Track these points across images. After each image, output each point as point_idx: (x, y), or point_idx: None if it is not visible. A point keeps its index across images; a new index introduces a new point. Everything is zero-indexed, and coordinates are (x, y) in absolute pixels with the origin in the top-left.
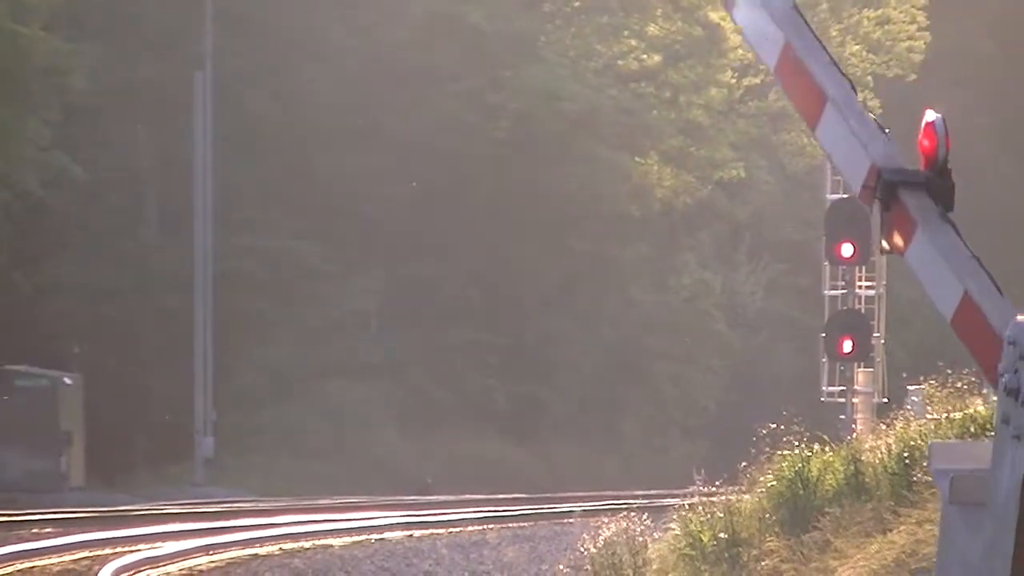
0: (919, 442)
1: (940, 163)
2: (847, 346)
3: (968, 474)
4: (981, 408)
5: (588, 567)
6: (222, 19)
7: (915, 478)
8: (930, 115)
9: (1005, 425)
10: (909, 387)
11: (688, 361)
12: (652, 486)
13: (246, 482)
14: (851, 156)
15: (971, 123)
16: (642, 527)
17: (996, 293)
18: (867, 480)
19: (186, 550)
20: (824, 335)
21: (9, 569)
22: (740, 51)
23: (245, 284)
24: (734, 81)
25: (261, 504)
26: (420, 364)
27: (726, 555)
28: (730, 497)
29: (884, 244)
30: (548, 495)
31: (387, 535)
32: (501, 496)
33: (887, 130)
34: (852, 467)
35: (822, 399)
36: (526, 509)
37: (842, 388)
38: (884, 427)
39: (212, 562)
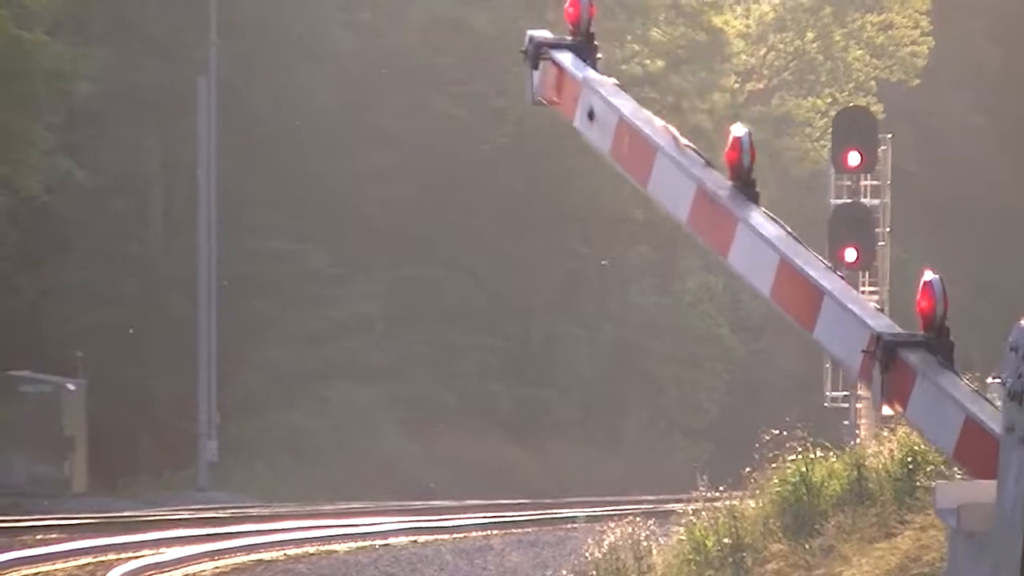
0: (922, 447)
1: (938, 323)
2: None
3: (975, 505)
4: None
5: (593, 572)
6: (225, 23)
7: (918, 483)
8: (928, 275)
9: (1010, 433)
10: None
11: (691, 364)
12: (655, 490)
13: (250, 487)
14: (852, 337)
15: (972, 126)
16: (646, 532)
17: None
18: (871, 485)
19: (190, 556)
20: None
21: (13, 575)
22: (743, 56)
23: (249, 288)
24: (737, 86)
25: (265, 509)
26: (423, 367)
27: (730, 560)
28: (734, 502)
29: (885, 407)
30: (551, 500)
31: (391, 541)
32: (505, 501)
33: (890, 134)
34: (856, 472)
35: (825, 404)
36: (530, 514)
37: (845, 393)
38: (887, 432)
39: (216, 568)
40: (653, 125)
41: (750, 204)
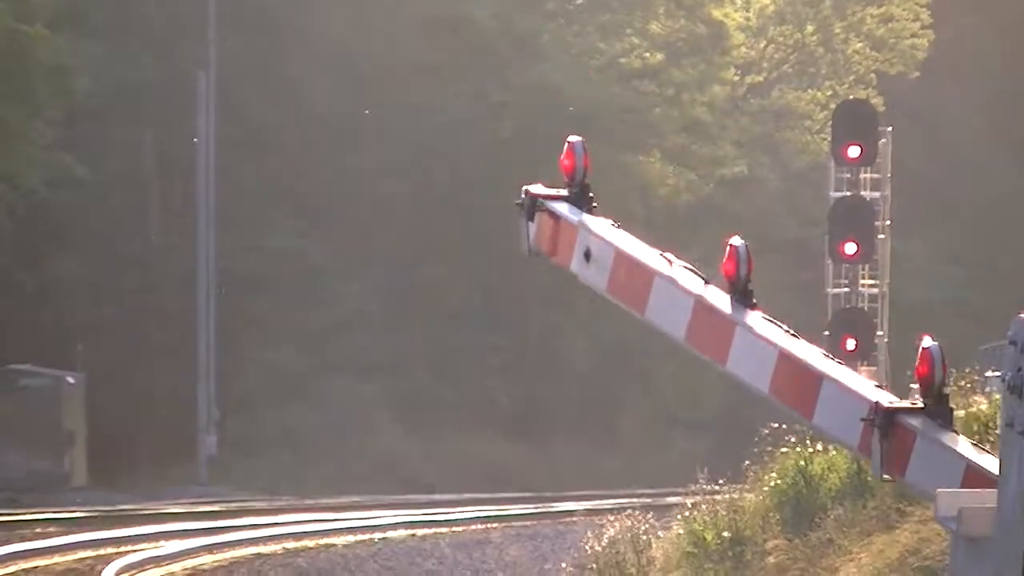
0: None
1: (937, 389)
2: (850, 344)
3: (977, 509)
4: (984, 406)
5: (592, 566)
6: (225, 19)
7: None
8: (927, 342)
9: (1010, 428)
10: (912, 386)
11: (690, 358)
12: (655, 484)
13: (249, 481)
14: (851, 414)
15: (972, 119)
16: (646, 525)
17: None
18: (870, 478)
19: (189, 549)
20: (827, 333)
21: (12, 569)
22: (743, 49)
23: (248, 283)
24: (737, 79)
25: (264, 503)
26: (423, 363)
27: (729, 553)
28: (733, 495)
29: (885, 475)
30: (550, 494)
31: (390, 534)
32: (504, 495)
33: (890, 127)
34: (855, 465)
35: None
36: (529, 508)
37: None
38: None
39: (215, 561)
40: (650, 253)
41: (748, 310)
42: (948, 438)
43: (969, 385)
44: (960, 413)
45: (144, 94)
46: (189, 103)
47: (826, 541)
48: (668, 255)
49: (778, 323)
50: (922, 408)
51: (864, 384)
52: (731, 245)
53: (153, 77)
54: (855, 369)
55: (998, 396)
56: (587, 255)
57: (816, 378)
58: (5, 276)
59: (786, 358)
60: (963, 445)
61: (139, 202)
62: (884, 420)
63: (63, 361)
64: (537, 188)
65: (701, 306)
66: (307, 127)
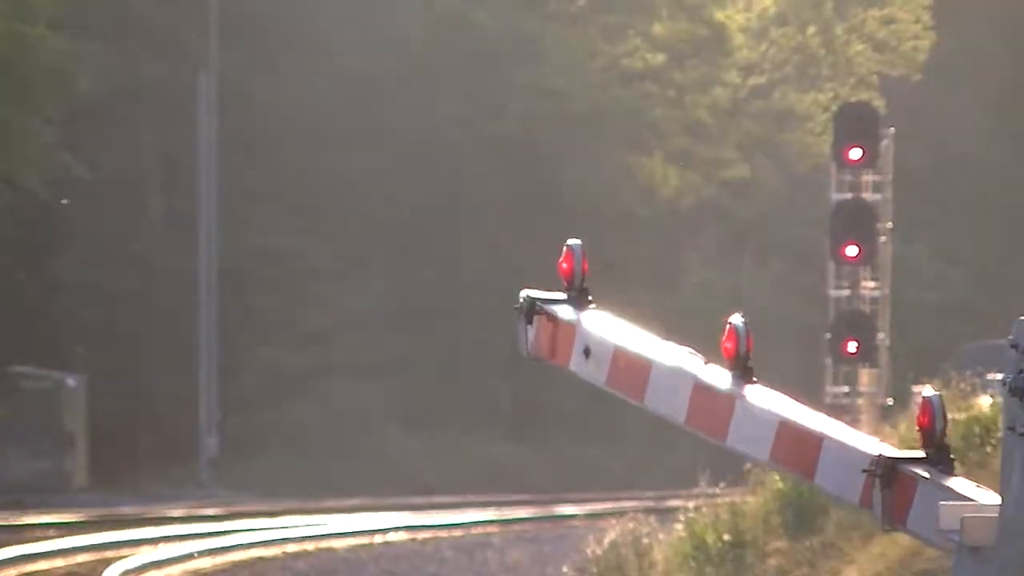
0: None
1: (938, 439)
2: (851, 347)
3: (980, 517)
4: (986, 409)
5: (593, 569)
6: (226, 19)
7: None
8: (927, 391)
9: (1011, 431)
10: (914, 388)
11: None
12: (657, 487)
13: (251, 483)
14: (853, 468)
15: (975, 121)
16: (647, 528)
17: None
18: None
19: (189, 553)
20: (828, 336)
21: (13, 572)
22: (745, 51)
23: (250, 283)
24: (739, 81)
25: (265, 506)
26: (424, 364)
27: (731, 557)
28: (735, 499)
29: (886, 526)
30: (552, 497)
31: (391, 537)
32: (506, 498)
33: (892, 129)
34: None
35: (827, 400)
36: (530, 511)
37: (846, 389)
38: (889, 428)
39: (215, 564)
40: (650, 340)
41: (747, 384)
42: (950, 482)
43: (970, 388)
44: (961, 416)
45: (145, 94)
46: (190, 103)
47: (827, 544)
48: (671, 343)
49: (780, 394)
50: (923, 458)
51: (864, 440)
52: (730, 324)
53: (154, 77)
54: (856, 371)
55: (1000, 399)
56: (586, 352)
57: (816, 439)
58: (6, 277)
59: (786, 425)
60: (965, 488)
61: (140, 202)
62: (885, 470)
63: (64, 362)
64: (535, 292)
65: (700, 387)
66: (308, 127)
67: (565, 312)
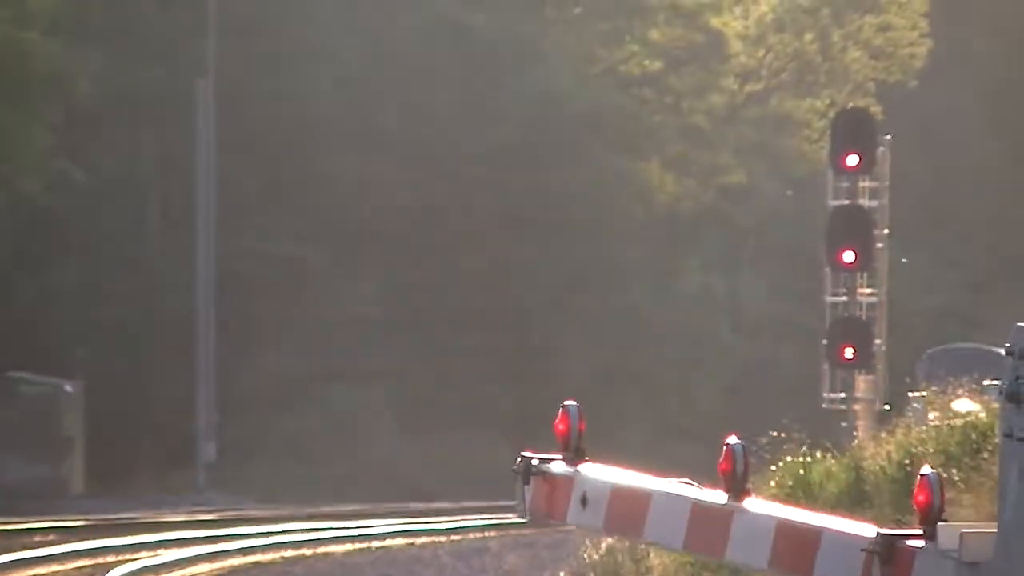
0: (920, 449)
1: (935, 515)
2: (848, 353)
3: (978, 534)
4: (983, 415)
5: (590, 574)
6: (224, 23)
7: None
8: (925, 469)
9: (1008, 438)
10: (910, 394)
11: (690, 366)
12: None
13: (248, 488)
14: (852, 554)
15: (971, 128)
16: None
17: None
18: (868, 487)
19: (187, 558)
20: (825, 341)
21: None
22: (742, 57)
23: (248, 288)
24: (736, 87)
25: (263, 511)
26: (423, 369)
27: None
28: None
29: None
30: None
31: (389, 543)
32: (503, 503)
33: (888, 135)
34: (853, 474)
35: (823, 405)
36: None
37: (843, 394)
38: (885, 434)
39: (213, 570)
40: (646, 479)
41: (743, 498)
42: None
43: (967, 394)
44: (958, 422)
45: (143, 98)
46: (188, 108)
47: None
48: (664, 479)
49: (775, 505)
50: (920, 534)
51: (861, 527)
52: (727, 445)
53: (152, 81)
54: (852, 378)
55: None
56: (583, 500)
57: (815, 534)
58: (4, 281)
59: (783, 527)
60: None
61: (138, 207)
62: (884, 546)
63: (62, 368)
64: (532, 454)
65: (697, 510)
66: (306, 131)
67: (561, 468)
